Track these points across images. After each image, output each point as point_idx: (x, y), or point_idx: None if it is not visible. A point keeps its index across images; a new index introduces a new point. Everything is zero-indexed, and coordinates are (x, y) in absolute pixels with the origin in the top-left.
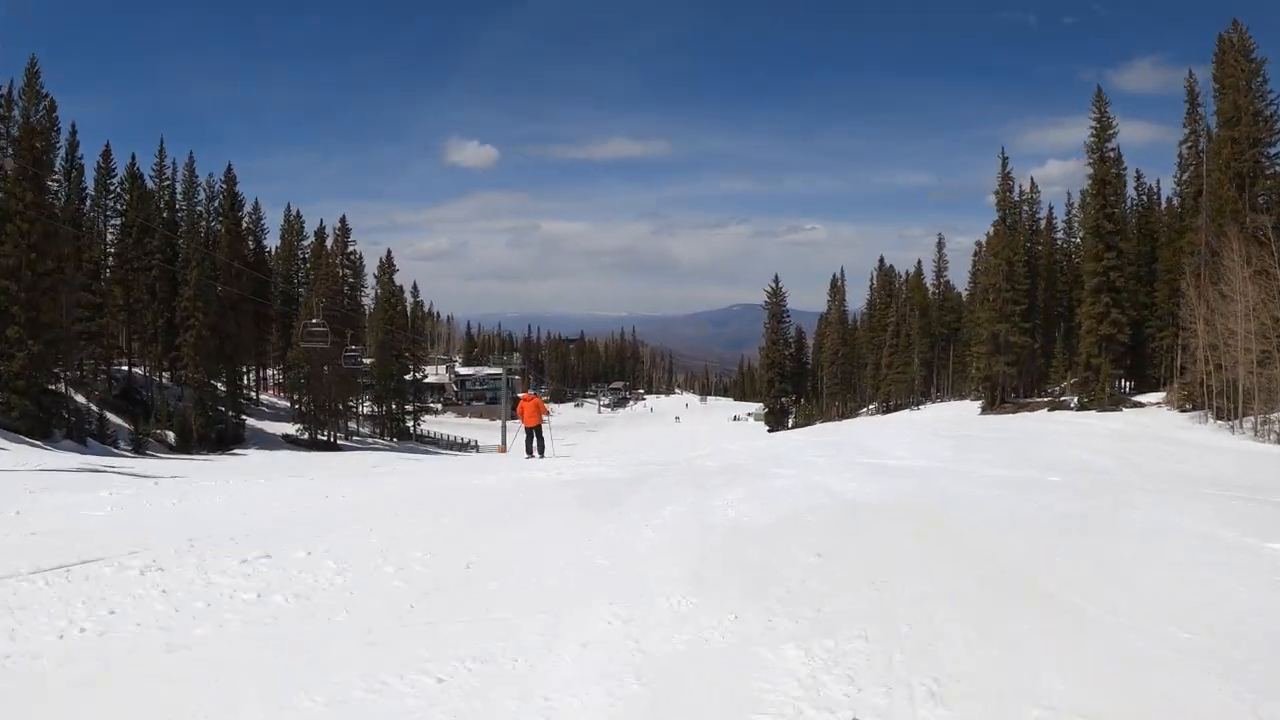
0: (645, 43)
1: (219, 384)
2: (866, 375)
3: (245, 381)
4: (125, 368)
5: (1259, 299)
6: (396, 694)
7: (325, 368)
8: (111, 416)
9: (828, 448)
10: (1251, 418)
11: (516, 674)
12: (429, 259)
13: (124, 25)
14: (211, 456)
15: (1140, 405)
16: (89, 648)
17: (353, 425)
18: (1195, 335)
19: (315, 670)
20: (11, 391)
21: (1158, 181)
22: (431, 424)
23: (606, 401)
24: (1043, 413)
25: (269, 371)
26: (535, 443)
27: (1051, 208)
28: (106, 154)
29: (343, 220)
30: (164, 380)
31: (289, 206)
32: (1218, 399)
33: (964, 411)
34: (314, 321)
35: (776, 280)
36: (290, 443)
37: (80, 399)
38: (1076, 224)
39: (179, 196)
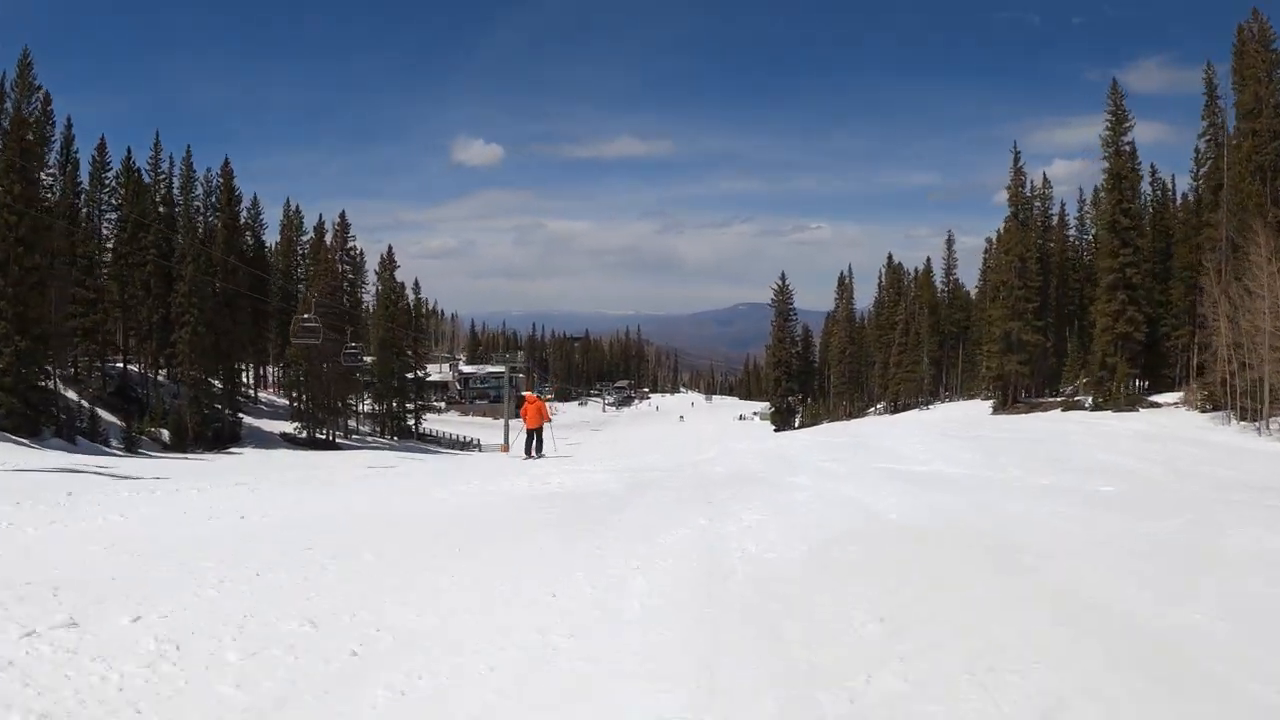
0: (650, 42)
1: (215, 381)
2: (874, 374)
3: (245, 379)
4: (120, 365)
5: None
6: None
7: (325, 365)
8: (105, 414)
9: (842, 450)
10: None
11: None
12: (436, 257)
13: (128, 24)
14: (205, 455)
15: (1157, 405)
16: None
17: (353, 424)
18: (1218, 333)
19: None
20: None
21: (1172, 177)
22: (434, 422)
23: (611, 400)
24: (1056, 413)
25: (269, 369)
26: (535, 444)
27: (1064, 204)
28: (101, 147)
29: (342, 215)
30: (160, 378)
31: (288, 201)
32: (1242, 399)
33: (974, 411)
34: (306, 317)
35: (783, 278)
36: (288, 441)
37: (72, 396)
38: (1089, 221)
39: (176, 192)
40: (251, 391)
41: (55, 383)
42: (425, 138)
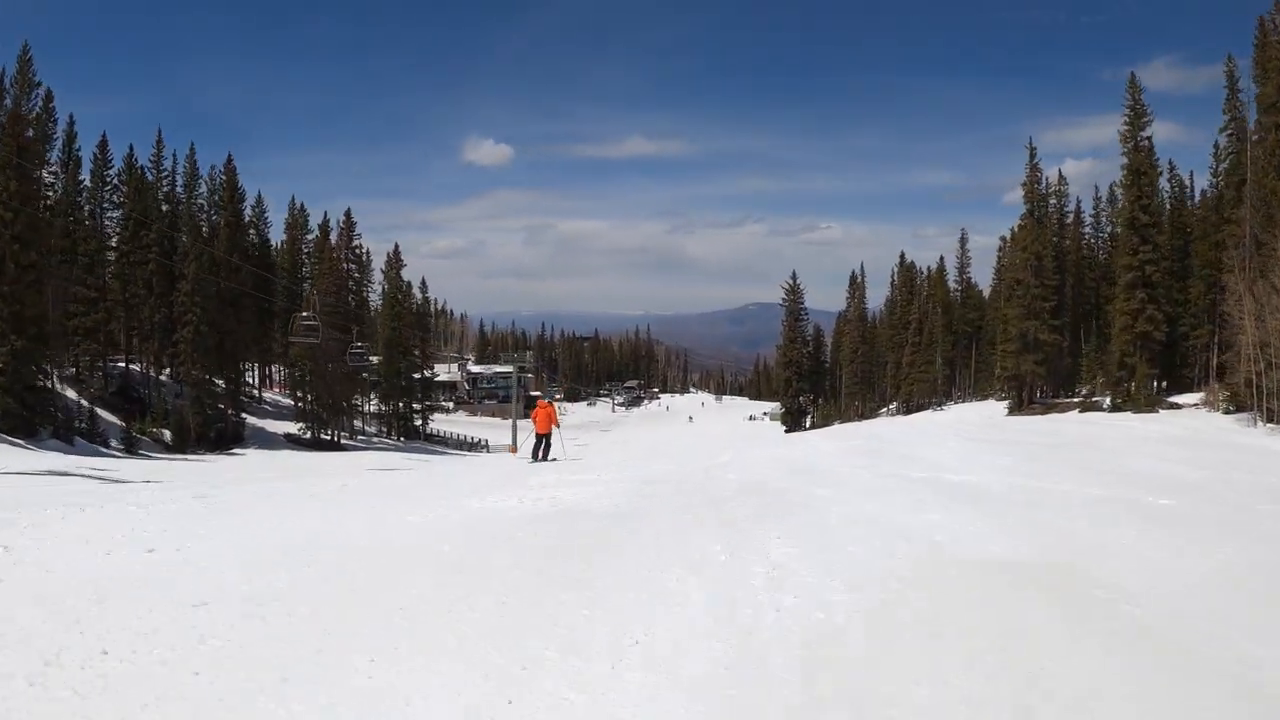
0: (661, 42)
1: (218, 381)
2: (886, 374)
3: (249, 379)
4: (123, 364)
5: None
6: None
7: (330, 365)
8: (105, 414)
9: (864, 456)
10: None
11: None
12: (446, 257)
13: (139, 25)
14: (206, 456)
15: (1177, 406)
16: None
17: (358, 424)
18: (1243, 331)
19: None
20: None
21: (1191, 175)
22: (442, 422)
23: (621, 400)
24: (1073, 414)
25: (273, 369)
26: (543, 449)
27: (1079, 201)
28: (103, 145)
29: (348, 214)
30: (162, 378)
31: (293, 199)
32: (1269, 400)
33: (989, 412)
34: (305, 315)
35: (794, 278)
36: (292, 442)
37: (72, 396)
38: (1105, 218)
39: (179, 189)
40: (256, 392)
41: (54, 382)
42: (436, 138)
